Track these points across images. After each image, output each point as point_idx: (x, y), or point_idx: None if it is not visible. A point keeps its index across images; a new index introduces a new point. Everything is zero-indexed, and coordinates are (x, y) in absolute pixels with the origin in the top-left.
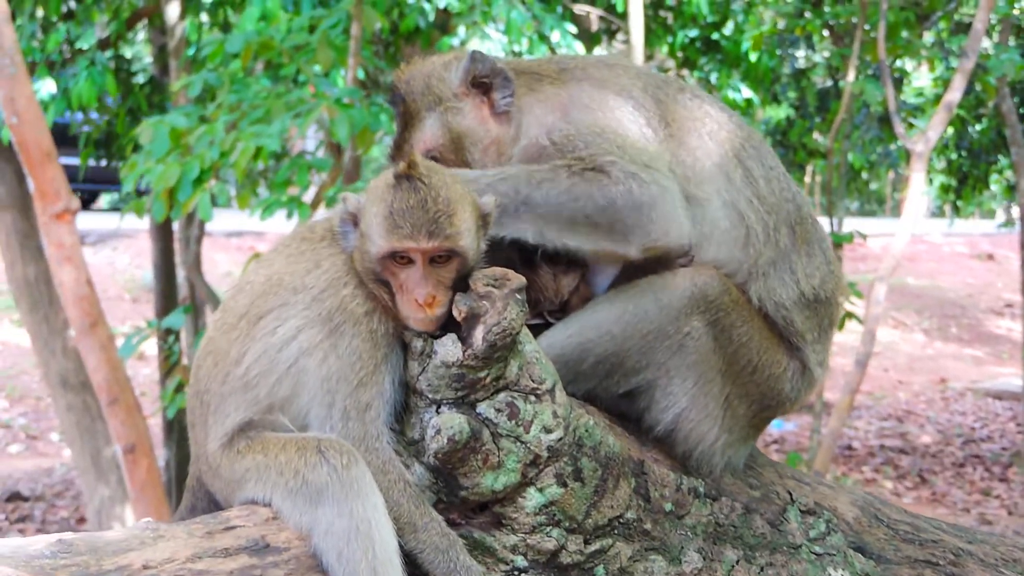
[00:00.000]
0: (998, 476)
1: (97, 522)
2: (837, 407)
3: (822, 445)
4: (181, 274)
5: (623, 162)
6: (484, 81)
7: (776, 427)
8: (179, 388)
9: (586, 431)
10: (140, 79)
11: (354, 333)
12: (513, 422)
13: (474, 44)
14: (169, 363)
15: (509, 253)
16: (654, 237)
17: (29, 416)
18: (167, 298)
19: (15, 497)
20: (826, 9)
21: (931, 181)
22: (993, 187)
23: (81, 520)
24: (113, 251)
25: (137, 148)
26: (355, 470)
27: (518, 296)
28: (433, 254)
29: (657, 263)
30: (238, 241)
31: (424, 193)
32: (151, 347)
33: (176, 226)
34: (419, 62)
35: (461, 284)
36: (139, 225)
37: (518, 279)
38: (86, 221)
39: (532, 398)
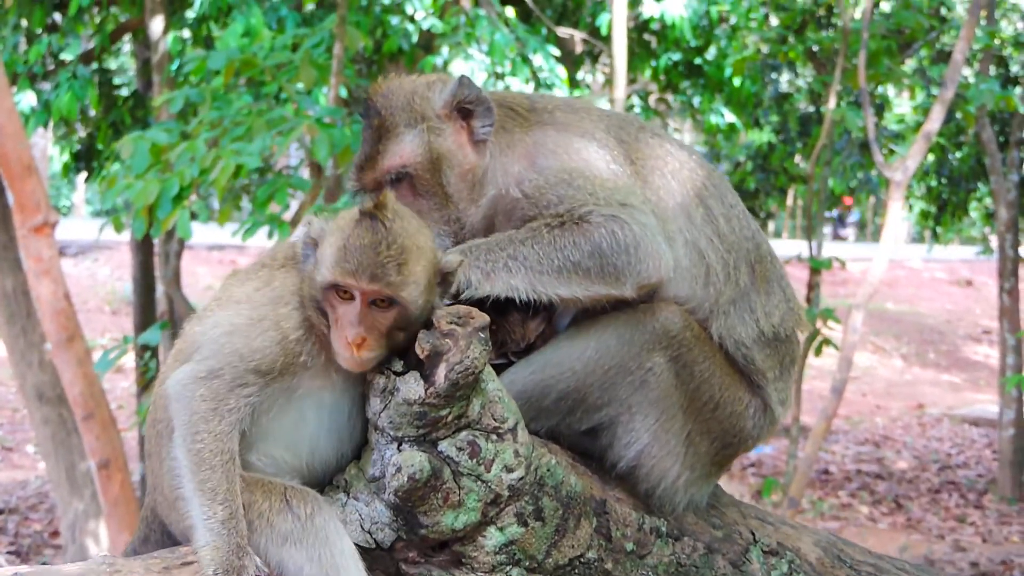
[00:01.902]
0: (973, 503)
1: (71, 536)
2: (813, 432)
3: (798, 470)
4: (161, 288)
5: (599, 207)
6: (467, 107)
7: (754, 451)
8: None
9: (548, 470)
10: (124, 92)
11: (271, 338)
12: (474, 461)
13: (457, 65)
14: (146, 379)
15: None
16: (646, 274)
17: (5, 428)
18: (146, 312)
19: None
20: (809, 35)
21: (911, 207)
22: (973, 214)
23: (55, 534)
24: (94, 263)
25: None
26: (319, 518)
27: (481, 335)
28: (373, 297)
29: (620, 300)
30: (219, 255)
31: (381, 236)
32: (131, 359)
33: (156, 240)
34: (398, 79)
35: (402, 335)
36: (120, 237)
37: (482, 317)
38: (67, 232)
39: (494, 437)
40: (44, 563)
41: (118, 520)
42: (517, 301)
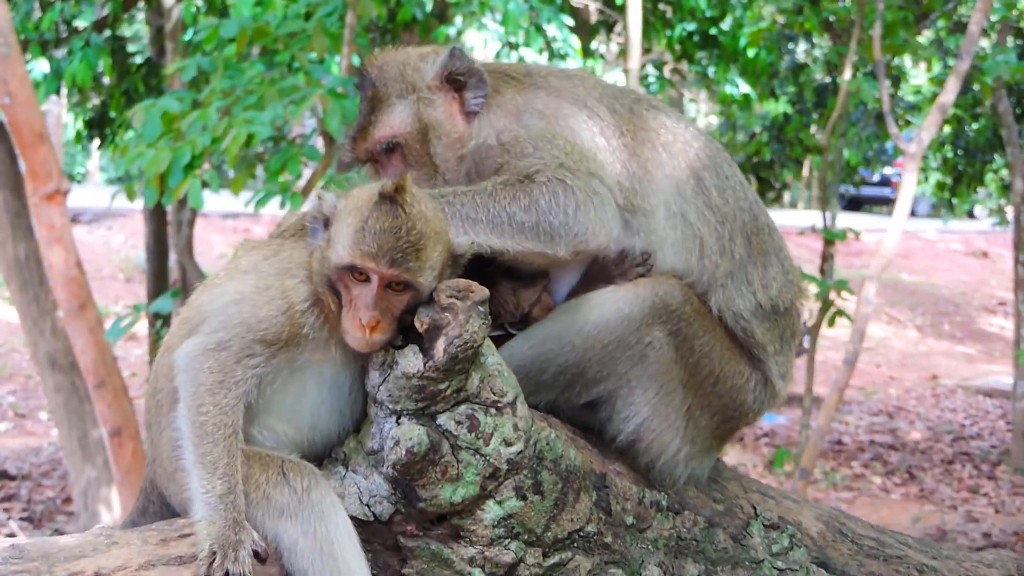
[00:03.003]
0: (987, 474)
1: (83, 503)
2: (826, 403)
3: (811, 440)
4: (174, 257)
5: (549, 169)
6: (459, 78)
7: (767, 420)
8: None
9: (547, 444)
10: (138, 60)
11: (278, 307)
12: (473, 434)
13: (471, 34)
14: (157, 348)
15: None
16: (583, 238)
17: (18, 394)
18: (159, 280)
19: (2, 476)
20: (825, 6)
21: (926, 179)
22: (989, 185)
23: (67, 500)
24: (108, 230)
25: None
26: (315, 492)
27: (481, 308)
28: (390, 280)
29: (619, 274)
30: (233, 223)
31: (401, 220)
32: (144, 327)
33: (169, 208)
34: (393, 50)
35: (407, 317)
36: (134, 205)
37: (481, 291)
38: (82, 199)
39: (493, 411)
40: (56, 529)
41: (130, 487)
42: (530, 274)
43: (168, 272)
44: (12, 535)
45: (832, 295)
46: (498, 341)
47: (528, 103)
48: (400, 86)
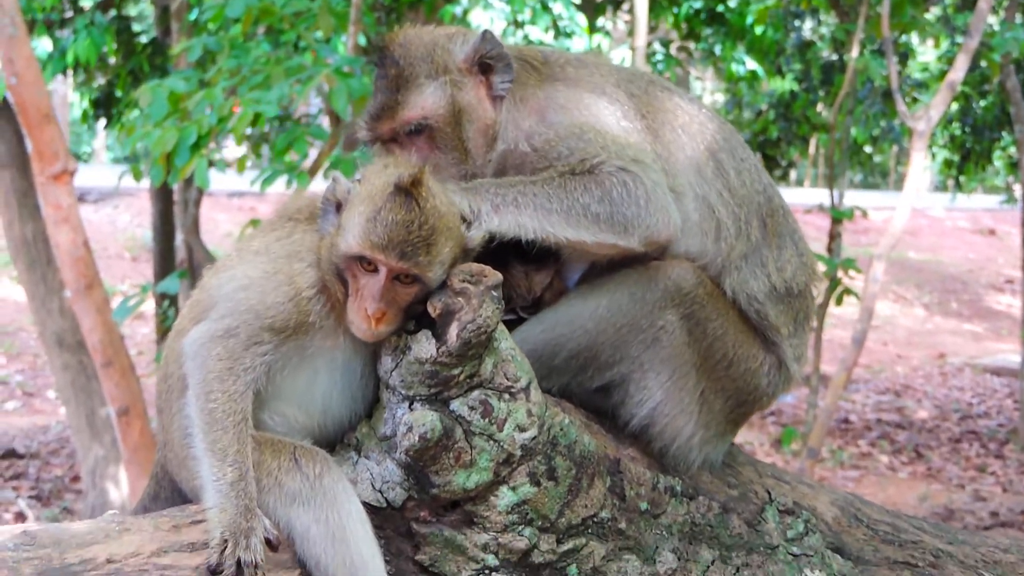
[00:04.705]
0: (994, 453)
1: (91, 481)
2: (833, 382)
3: (818, 419)
4: (180, 236)
5: (611, 159)
6: (488, 62)
7: None
8: None
9: (561, 430)
10: (143, 39)
11: (285, 293)
12: (486, 420)
13: (477, 13)
14: (164, 327)
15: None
16: (655, 228)
17: (26, 373)
18: (166, 259)
19: (10, 454)
20: None
21: (934, 156)
22: (996, 163)
23: (75, 479)
24: (114, 209)
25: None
26: (328, 479)
27: (494, 293)
28: (399, 273)
29: (632, 257)
30: (239, 201)
31: (415, 215)
32: (151, 306)
33: (176, 188)
34: (415, 29)
35: (415, 307)
36: (141, 184)
37: (495, 276)
38: (87, 178)
39: (506, 396)
40: (65, 507)
41: (138, 466)
42: (523, 241)
43: (174, 251)
44: (21, 513)
45: (839, 273)
46: (510, 325)
47: (549, 98)
48: (428, 66)
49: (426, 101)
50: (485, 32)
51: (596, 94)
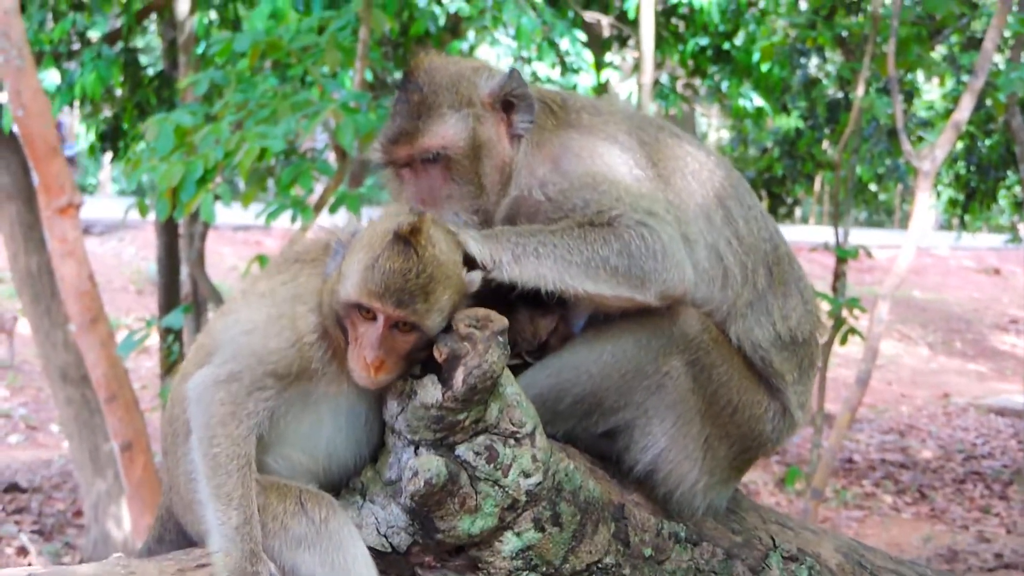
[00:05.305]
0: (998, 494)
1: (93, 516)
2: (838, 422)
3: (822, 459)
4: (185, 270)
5: (628, 212)
6: (512, 100)
7: None
8: None
9: (566, 475)
10: (150, 72)
11: (287, 339)
12: (492, 466)
13: (483, 49)
14: (169, 362)
15: (484, 294)
16: (671, 284)
17: (29, 406)
18: (171, 293)
19: (13, 488)
20: (838, 21)
21: (939, 195)
22: (1001, 202)
23: (78, 513)
24: (119, 242)
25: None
26: (333, 523)
27: (500, 338)
28: (397, 321)
29: (641, 307)
30: (244, 235)
31: (412, 263)
32: (155, 339)
33: (181, 221)
34: (441, 57)
35: (418, 354)
36: (146, 217)
37: (500, 321)
38: (93, 210)
39: (512, 441)
40: (67, 542)
41: (140, 502)
42: (542, 292)
43: (179, 285)
44: (23, 548)
45: (844, 313)
46: (516, 370)
47: (564, 146)
48: (453, 97)
49: (447, 131)
50: (513, 70)
51: (609, 142)
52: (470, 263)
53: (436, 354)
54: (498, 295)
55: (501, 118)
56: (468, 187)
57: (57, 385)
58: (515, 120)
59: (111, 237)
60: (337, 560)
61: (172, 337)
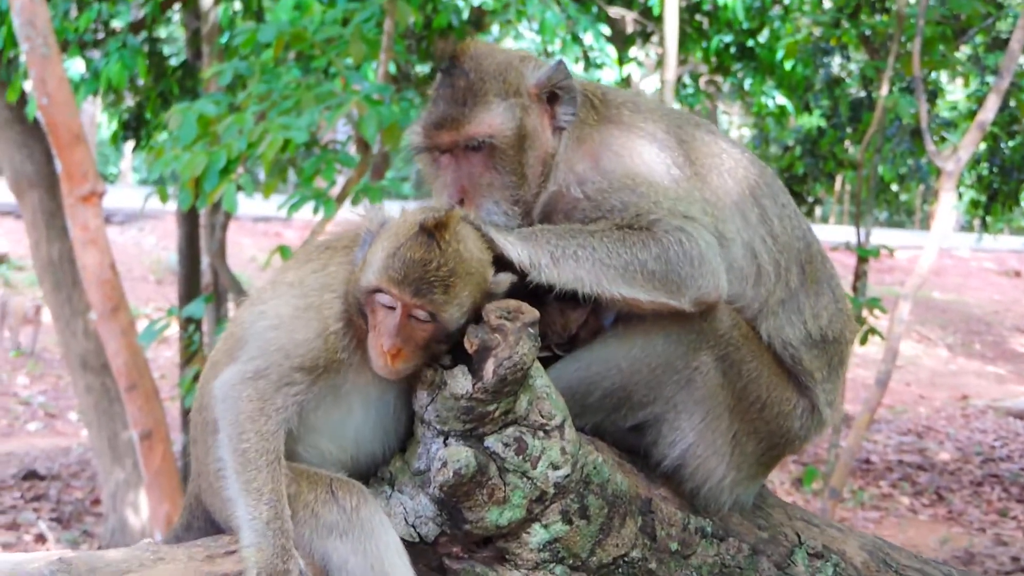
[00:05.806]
0: (1016, 497)
1: (111, 505)
2: (856, 423)
3: (840, 460)
4: (206, 260)
5: (666, 217)
6: (557, 92)
7: None
8: (197, 378)
9: (594, 468)
10: (174, 62)
11: (314, 329)
12: (520, 457)
13: (507, 43)
14: (189, 352)
15: (516, 286)
16: (706, 290)
17: (49, 394)
18: (191, 283)
19: (31, 476)
20: (863, 19)
21: (960, 196)
22: (1023, 204)
23: (96, 502)
24: (140, 231)
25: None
26: (364, 511)
27: (531, 330)
28: (414, 309)
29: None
30: (265, 226)
31: (434, 255)
32: (175, 329)
33: (202, 211)
34: (486, 45)
35: (437, 347)
36: (167, 206)
37: (532, 313)
38: (114, 200)
39: (541, 433)
40: (85, 530)
41: (159, 490)
42: (579, 294)
43: (200, 275)
44: (41, 535)
45: (864, 313)
46: (545, 362)
47: (604, 143)
48: (500, 85)
49: (494, 119)
50: (560, 61)
51: (648, 140)
52: (504, 264)
53: (467, 345)
54: (529, 287)
55: (545, 109)
56: (510, 177)
57: (77, 373)
58: (559, 112)
59: (131, 226)
60: (369, 548)
61: (193, 327)
